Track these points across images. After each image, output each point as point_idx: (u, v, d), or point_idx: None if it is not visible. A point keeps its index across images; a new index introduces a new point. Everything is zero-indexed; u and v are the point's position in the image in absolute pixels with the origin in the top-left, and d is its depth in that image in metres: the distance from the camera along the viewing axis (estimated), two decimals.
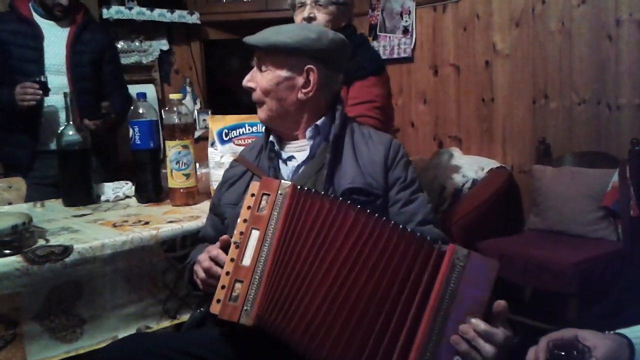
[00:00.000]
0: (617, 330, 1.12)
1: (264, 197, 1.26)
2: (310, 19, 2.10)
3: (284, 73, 1.46)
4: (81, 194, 2.03)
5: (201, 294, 1.42)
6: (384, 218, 1.21)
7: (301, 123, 1.51)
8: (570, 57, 3.17)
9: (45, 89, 2.44)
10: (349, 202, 1.24)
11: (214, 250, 1.32)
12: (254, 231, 1.23)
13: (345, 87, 2.04)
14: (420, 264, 1.16)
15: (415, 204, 1.47)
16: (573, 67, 3.16)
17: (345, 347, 1.14)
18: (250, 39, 1.47)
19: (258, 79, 1.49)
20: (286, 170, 1.52)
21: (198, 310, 1.49)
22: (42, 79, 2.45)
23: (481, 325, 1.09)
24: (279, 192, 1.25)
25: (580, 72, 3.14)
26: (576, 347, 1.03)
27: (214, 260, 1.30)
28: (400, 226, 1.20)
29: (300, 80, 1.46)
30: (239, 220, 1.25)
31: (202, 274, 1.33)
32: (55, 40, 2.61)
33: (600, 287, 2.56)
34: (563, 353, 1.02)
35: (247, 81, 1.51)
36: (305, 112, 1.50)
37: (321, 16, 2.10)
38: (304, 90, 1.47)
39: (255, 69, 1.51)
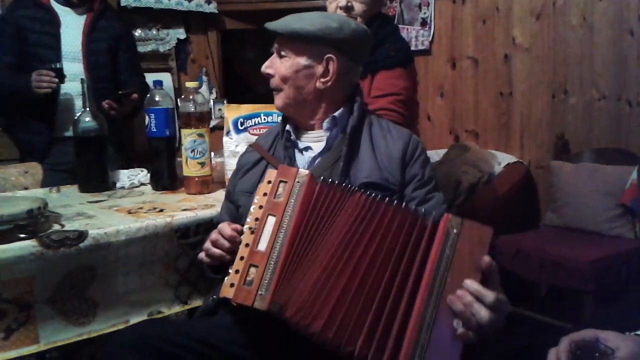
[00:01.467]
0: (638, 332, 1.10)
1: (281, 185, 1.25)
2: (348, 8, 2.00)
3: (303, 61, 1.45)
4: (97, 181, 2.04)
5: (219, 278, 1.42)
6: (414, 208, 1.23)
7: (318, 113, 1.50)
8: (591, 52, 3.12)
9: (60, 76, 2.44)
10: (379, 197, 1.23)
11: (220, 224, 1.35)
12: (270, 217, 1.22)
13: (370, 75, 2.00)
14: (416, 236, 1.18)
15: (430, 204, 1.45)
16: (594, 62, 3.12)
17: (352, 333, 1.14)
18: (271, 25, 1.46)
19: (277, 66, 1.48)
20: (302, 160, 1.51)
21: (211, 298, 1.48)
22: (58, 66, 2.44)
23: (474, 285, 1.10)
24: (297, 180, 1.25)
25: (601, 67, 3.09)
26: (598, 348, 1.01)
27: (220, 232, 1.32)
28: (403, 205, 1.23)
29: (320, 69, 1.45)
30: (253, 207, 1.25)
31: (207, 245, 1.35)
32: (71, 27, 2.60)
33: (616, 286, 2.53)
34: (586, 354, 1.00)
35: (266, 67, 1.50)
36: (323, 102, 1.49)
37: (358, 5, 2.01)
38: (322, 80, 1.45)
39: (274, 55, 1.50)
